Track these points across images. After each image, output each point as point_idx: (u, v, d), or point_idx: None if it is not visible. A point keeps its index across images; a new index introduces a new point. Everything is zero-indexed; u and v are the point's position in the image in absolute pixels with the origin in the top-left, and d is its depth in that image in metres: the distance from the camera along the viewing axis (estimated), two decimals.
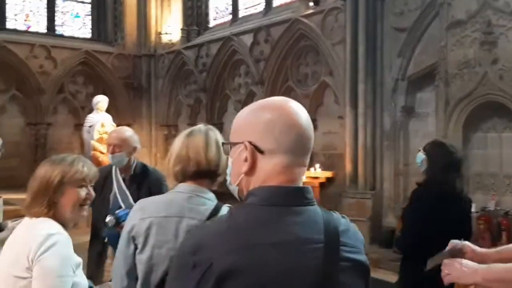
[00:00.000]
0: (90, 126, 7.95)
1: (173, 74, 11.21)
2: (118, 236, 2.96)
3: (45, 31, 11.05)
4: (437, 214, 2.69)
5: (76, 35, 11.47)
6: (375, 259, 5.73)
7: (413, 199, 2.89)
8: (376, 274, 5.22)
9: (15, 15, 10.78)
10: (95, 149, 7.77)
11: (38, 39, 10.54)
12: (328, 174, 7.35)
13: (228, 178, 1.13)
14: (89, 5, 11.80)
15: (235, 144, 1.06)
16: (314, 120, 8.46)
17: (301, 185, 1.04)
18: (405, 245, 2.83)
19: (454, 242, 1.70)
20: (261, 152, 1.02)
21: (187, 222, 1.71)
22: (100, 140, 7.89)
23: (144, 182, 3.04)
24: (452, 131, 5.72)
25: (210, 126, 1.90)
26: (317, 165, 7.51)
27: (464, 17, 5.52)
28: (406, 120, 6.80)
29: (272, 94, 9.00)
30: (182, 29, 11.10)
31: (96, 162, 7.64)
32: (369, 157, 6.97)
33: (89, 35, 11.73)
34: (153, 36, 11.64)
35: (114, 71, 11.29)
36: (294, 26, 8.37)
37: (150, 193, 3.04)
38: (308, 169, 6.39)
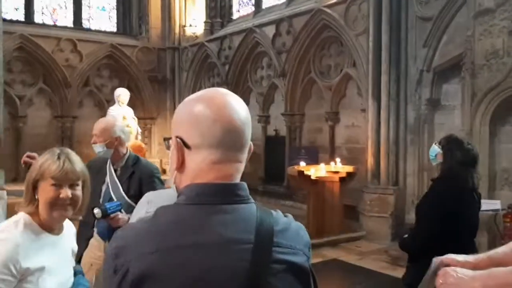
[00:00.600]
0: None
1: (196, 67, 11.20)
2: (107, 228, 2.94)
3: (71, 25, 11.22)
4: (458, 209, 2.64)
5: (102, 29, 11.60)
6: (394, 256, 5.54)
7: (429, 195, 2.81)
8: (395, 272, 5.05)
9: (43, 9, 10.98)
10: None
11: (65, 33, 10.70)
12: (349, 168, 7.15)
13: (170, 174, 1.06)
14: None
15: (169, 139, 1.02)
16: (336, 113, 8.30)
17: (235, 181, 0.96)
18: (420, 240, 2.71)
19: (438, 259, 1.56)
20: (188, 147, 0.95)
21: None
22: None
23: (135, 174, 3.02)
24: (479, 124, 5.44)
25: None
26: (338, 159, 7.33)
27: (493, 5, 5.23)
28: (431, 113, 6.52)
29: (294, 86, 8.88)
30: (205, 22, 11.06)
31: None
32: (392, 152, 6.74)
33: (114, 29, 11.83)
34: (177, 29, 11.64)
35: (139, 64, 11.37)
36: (316, 17, 8.18)
37: (140, 185, 3.02)
38: (328, 163, 6.20)
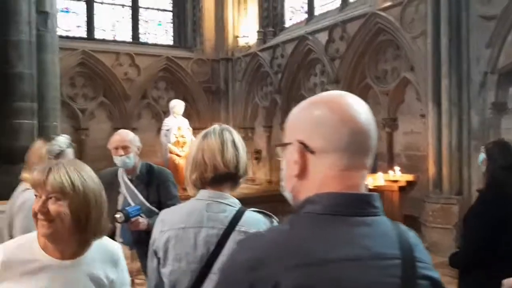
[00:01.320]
0: (167, 130, 8.19)
1: (249, 77, 11.23)
2: (128, 232, 2.97)
3: (129, 39, 11.63)
4: (506, 217, 2.51)
5: (158, 43, 11.93)
6: (456, 271, 5.19)
7: (475, 206, 2.70)
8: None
9: (103, 25, 11.45)
10: (171, 152, 7.98)
11: (123, 48, 11.09)
12: (409, 177, 6.84)
13: (282, 183, 1.00)
14: (171, 13, 12.21)
15: (285, 145, 0.95)
16: (394, 119, 7.99)
17: (364, 191, 0.90)
18: (470, 253, 2.61)
19: (508, 281, 1.50)
20: (312, 152, 0.89)
21: (206, 232, 1.60)
22: (176, 144, 8.10)
23: (152, 181, 3.08)
24: None
25: (226, 126, 1.76)
26: (397, 168, 7.04)
27: None
28: (497, 117, 6.11)
29: (349, 92, 8.62)
30: (258, 31, 11.09)
31: (173, 165, 7.84)
32: (454, 159, 6.37)
33: (170, 42, 12.14)
34: (230, 40, 11.75)
35: (193, 76, 11.57)
36: (371, 21, 7.95)
37: (158, 191, 3.04)
38: (386, 172, 5.95)
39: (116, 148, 3.09)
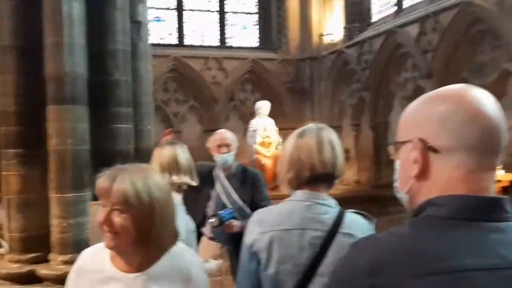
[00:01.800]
0: (253, 131, 8.30)
1: (335, 75, 11.04)
2: (222, 233, 3.04)
3: (217, 44, 11.97)
4: None
5: (244, 45, 12.16)
6: None
7: None
8: None
9: (192, 32, 11.91)
10: (257, 153, 8.08)
11: (211, 52, 11.45)
12: None
13: (395, 184, 0.95)
14: (256, 16, 12.39)
15: (401, 143, 0.89)
16: None
17: (494, 194, 0.83)
18: None
19: None
20: (436, 150, 0.83)
21: (310, 234, 1.58)
22: (262, 144, 8.19)
23: (246, 180, 3.12)
24: None
25: (322, 125, 1.72)
26: (499, 166, 6.48)
27: None
28: None
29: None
30: (344, 28, 10.86)
31: (259, 165, 7.93)
32: None
33: (256, 44, 12.31)
34: (315, 38, 11.64)
35: (278, 77, 11.63)
36: (466, 10, 7.42)
37: (252, 190, 3.07)
38: None
39: (219, 146, 3.22)
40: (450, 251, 0.76)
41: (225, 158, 3.14)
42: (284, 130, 11.62)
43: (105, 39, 3.96)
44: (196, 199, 3.12)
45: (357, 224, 1.62)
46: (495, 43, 7.26)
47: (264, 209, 1.80)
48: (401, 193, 0.92)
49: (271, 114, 10.98)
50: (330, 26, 11.28)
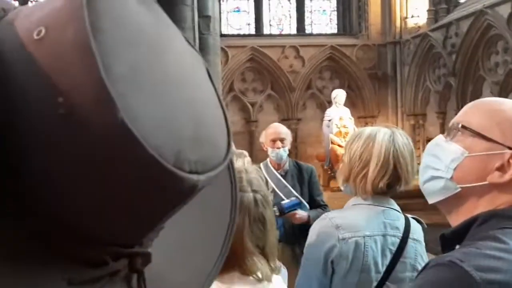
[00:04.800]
0: (329, 120, 8.16)
1: (420, 60, 10.46)
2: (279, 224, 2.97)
3: (295, 32, 11.87)
4: None
5: (323, 32, 11.94)
6: None
7: None
8: None
9: (270, 21, 11.92)
10: (333, 143, 7.94)
11: (288, 41, 11.40)
12: None
13: (436, 166, 0.90)
14: (335, 1, 12.09)
15: (491, 142, 0.84)
16: None
17: None
18: None
19: None
20: None
21: (390, 240, 1.56)
22: (338, 134, 8.03)
23: (302, 175, 3.00)
24: None
25: (394, 128, 1.62)
26: None
27: None
28: None
29: None
30: (428, 10, 10.24)
31: (334, 155, 7.80)
32: None
33: (335, 31, 12.03)
34: (398, 22, 11.10)
35: (358, 63, 11.28)
36: None
37: (310, 184, 2.97)
38: None
39: (274, 141, 3.07)
40: None
41: (280, 153, 3.05)
42: (364, 118, 11.37)
43: None
44: None
45: (418, 230, 1.65)
46: None
47: (335, 213, 1.69)
48: (452, 182, 0.87)
49: (351, 102, 10.71)
50: (414, 8, 10.69)
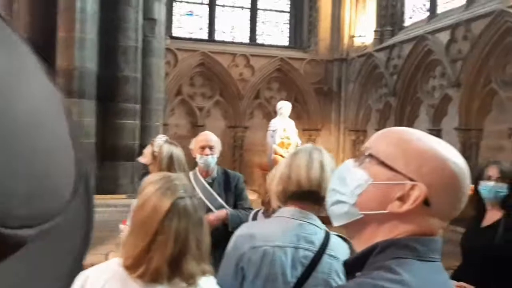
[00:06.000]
0: (273, 131, 8.26)
1: (363, 78, 10.85)
2: None
3: (247, 41, 11.98)
4: None
5: (274, 43, 12.11)
6: None
7: None
8: None
9: (223, 27, 11.96)
10: (276, 153, 8.04)
11: (239, 49, 11.47)
12: None
13: (342, 190, 0.91)
14: (288, 14, 12.32)
15: (395, 172, 0.85)
16: None
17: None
18: None
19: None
20: (428, 204, 0.84)
21: (303, 253, 1.59)
22: (281, 145, 8.15)
23: (229, 183, 3.05)
24: None
25: (318, 147, 1.75)
26: None
27: None
28: None
29: (471, 97, 7.91)
30: (375, 31, 10.65)
31: (276, 165, 7.90)
32: None
33: (286, 43, 12.25)
34: (346, 40, 11.48)
35: (306, 77, 11.54)
36: (499, 19, 7.14)
37: (236, 194, 3.02)
38: None
39: (203, 148, 3.10)
40: None
41: (208, 160, 3.08)
42: (308, 130, 11.63)
43: (116, 36, 4.04)
44: None
45: (340, 247, 1.66)
46: None
47: (253, 223, 1.84)
48: (354, 208, 0.88)
49: (296, 115, 10.92)
50: (362, 28, 11.10)
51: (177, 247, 1.24)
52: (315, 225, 1.65)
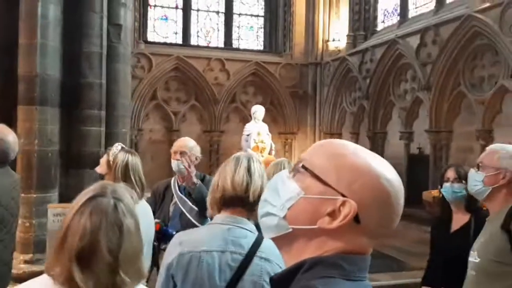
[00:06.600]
0: (247, 135, 8.26)
1: (338, 82, 10.96)
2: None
3: (222, 45, 11.98)
4: None
5: (249, 48, 12.14)
6: None
7: None
8: None
9: (198, 32, 11.94)
10: None
11: (215, 53, 11.46)
12: None
13: (273, 202, 0.87)
14: (262, 18, 12.37)
15: (327, 186, 0.82)
16: (490, 131, 7.29)
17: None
18: None
19: None
20: (358, 221, 0.80)
21: (229, 256, 1.60)
22: (255, 149, 8.15)
23: (205, 187, 3.06)
24: None
25: (251, 154, 1.79)
26: None
27: None
28: None
29: (441, 100, 8.06)
30: (348, 35, 10.78)
31: None
32: None
33: (261, 47, 12.29)
34: (320, 44, 11.58)
35: (281, 81, 11.60)
36: (466, 23, 7.30)
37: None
38: None
39: (175, 152, 3.17)
40: None
41: (177, 164, 3.11)
42: (284, 134, 11.68)
43: (80, 42, 3.99)
44: (160, 215, 3.14)
45: (274, 249, 1.62)
46: (494, 59, 7.13)
47: (186, 231, 1.81)
48: (284, 222, 0.84)
49: (272, 119, 10.97)
50: (336, 32, 11.21)
51: (84, 244, 1.12)
52: (246, 229, 1.64)
